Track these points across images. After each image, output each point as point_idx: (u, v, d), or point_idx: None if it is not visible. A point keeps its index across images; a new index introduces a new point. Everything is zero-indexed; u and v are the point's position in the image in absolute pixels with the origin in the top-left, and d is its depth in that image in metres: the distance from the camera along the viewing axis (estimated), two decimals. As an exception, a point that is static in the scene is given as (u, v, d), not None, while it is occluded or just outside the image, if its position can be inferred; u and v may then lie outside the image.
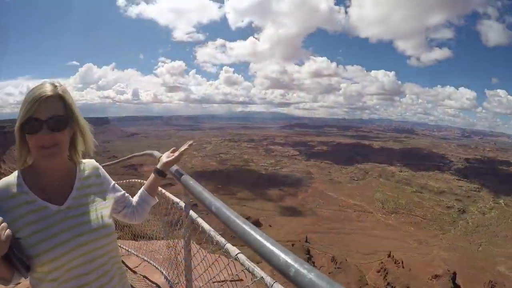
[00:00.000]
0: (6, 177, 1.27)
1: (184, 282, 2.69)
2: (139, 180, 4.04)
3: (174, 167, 2.23)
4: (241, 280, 2.15)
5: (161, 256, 4.05)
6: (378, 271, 76.51)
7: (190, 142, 2.16)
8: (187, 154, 2.37)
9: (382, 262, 79.53)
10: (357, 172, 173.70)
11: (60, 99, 1.16)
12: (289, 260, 1.07)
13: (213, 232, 1.96)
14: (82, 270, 1.28)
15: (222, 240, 1.80)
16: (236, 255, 1.61)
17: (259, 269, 1.44)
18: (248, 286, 1.54)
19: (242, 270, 1.59)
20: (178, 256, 3.04)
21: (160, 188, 2.66)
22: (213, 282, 1.99)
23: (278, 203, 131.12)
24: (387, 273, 73.62)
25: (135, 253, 4.72)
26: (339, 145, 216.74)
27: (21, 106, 1.15)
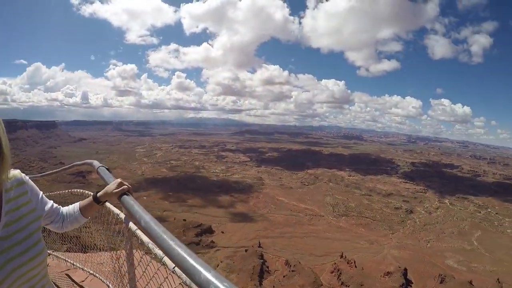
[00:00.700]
0: None
1: None
2: (80, 191, 3.59)
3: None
4: None
5: (107, 269, 3.93)
6: (332, 272, 77.11)
7: (118, 181, 2.07)
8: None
9: (335, 263, 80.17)
10: (308, 177, 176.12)
11: None
12: (210, 277, 1.08)
13: (151, 245, 1.97)
14: None
15: (160, 253, 1.81)
16: (173, 268, 1.66)
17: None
18: None
19: (179, 283, 1.69)
20: (122, 268, 3.09)
21: None
22: None
23: (229, 209, 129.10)
24: (340, 273, 74.25)
25: (80, 266, 4.62)
26: (290, 151, 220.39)
27: None
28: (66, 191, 3.90)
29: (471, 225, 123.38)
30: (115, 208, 2.68)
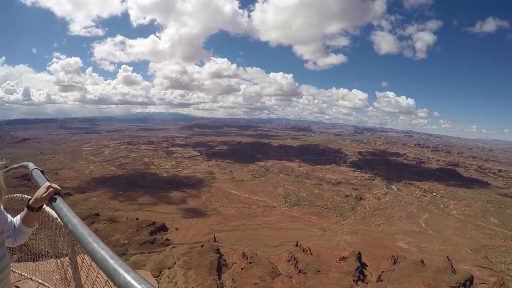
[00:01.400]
0: None
1: None
2: (20, 196, 3.60)
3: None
4: None
5: (56, 277, 3.82)
6: (289, 261, 78.78)
7: (47, 184, 2.05)
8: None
9: (291, 252, 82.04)
10: (258, 169, 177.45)
11: None
12: (129, 279, 1.06)
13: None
14: None
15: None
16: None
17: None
18: None
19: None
20: (67, 274, 3.10)
21: None
22: None
23: (181, 205, 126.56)
24: (297, 261, 75.45)
25: (29, 277, 4.51)
26: (239, 144, 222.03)
27: None
28: (6, 196, 3.40)
29: (418, 208, 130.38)
30: (55, 212, 2.41)
